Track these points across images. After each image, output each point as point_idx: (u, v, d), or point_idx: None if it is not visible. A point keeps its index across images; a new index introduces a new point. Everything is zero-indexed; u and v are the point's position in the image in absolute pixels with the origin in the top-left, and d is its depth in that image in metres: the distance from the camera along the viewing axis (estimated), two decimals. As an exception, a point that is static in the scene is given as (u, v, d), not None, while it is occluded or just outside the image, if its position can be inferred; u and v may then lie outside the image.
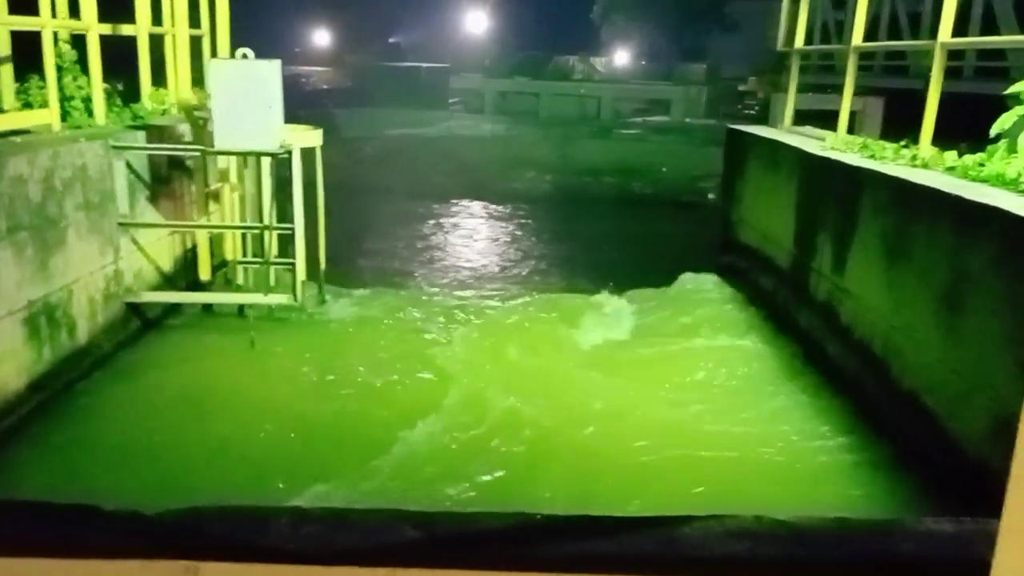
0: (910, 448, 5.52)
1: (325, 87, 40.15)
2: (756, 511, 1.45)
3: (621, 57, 45.24)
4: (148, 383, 6.57)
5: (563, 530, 1.39)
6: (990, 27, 14.93)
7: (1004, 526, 0.98)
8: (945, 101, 6.61)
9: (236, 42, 8.56)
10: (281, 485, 5.20)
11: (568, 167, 20.74)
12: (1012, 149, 5.87)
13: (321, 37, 53.51)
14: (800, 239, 7.93)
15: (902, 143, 6.98)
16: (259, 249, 8.40)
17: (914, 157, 6.63)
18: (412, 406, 6.34)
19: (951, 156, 6.35)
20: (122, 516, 1.36)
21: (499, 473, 5.48)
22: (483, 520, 1.41)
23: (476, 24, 51.07)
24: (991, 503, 1.04)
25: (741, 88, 30.62)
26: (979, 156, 6.11)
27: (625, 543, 1.35)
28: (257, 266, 8.49)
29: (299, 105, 22.88)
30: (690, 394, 6.69)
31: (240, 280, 8.56)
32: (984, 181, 5.68)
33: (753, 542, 1.34)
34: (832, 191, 7.23)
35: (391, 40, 53.17)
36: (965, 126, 6.92)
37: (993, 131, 6.10)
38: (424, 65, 39.60)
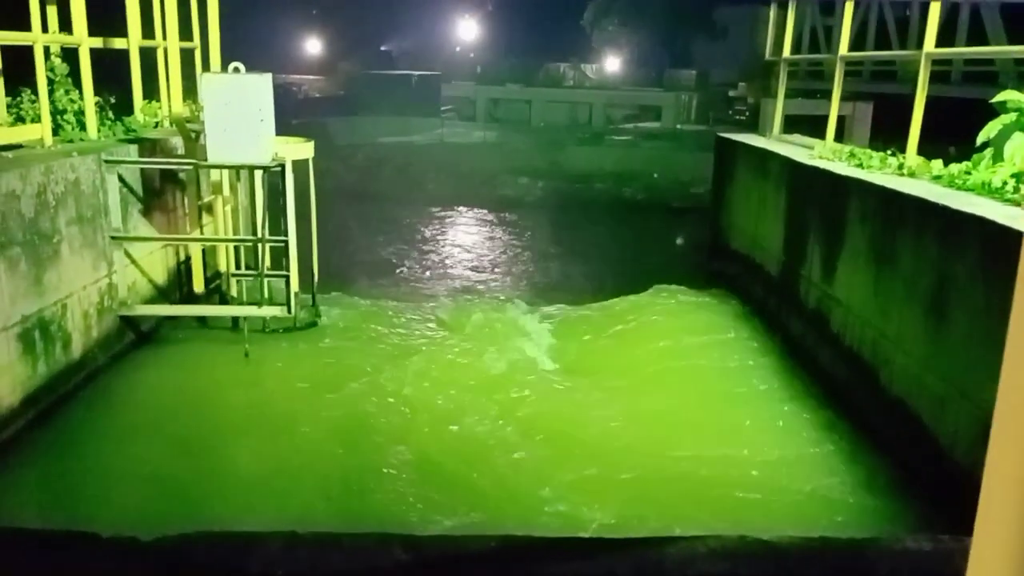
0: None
1: (317, 95, 40.13)
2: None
3: (611, 63, 45.29)
4: (142, 397, 6.57)
5: (548, 551, 1.42)
6: (978, 32, 15.00)
7: (976, 542, 1.02)
8: (934, 105, 6.65)
9: (228, 52, 8.57)
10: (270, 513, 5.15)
11: (560, 173, 20.81)
12: (998, 158, 5.91)
13: (313, 46, 53.48)
14: (790, 247, 7.98)
15: (889, 151, 7.02)
16: (253, 261, 8.41)
17: (900, 166, 6.68)
18: (403, 425, 6.35)
19: (937, 165, 6.40)
20: (118, 543, 1.39)
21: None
22: (470, 543, 1.44)
23: (467, 31, 51.15)
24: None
25: (731, 94, 30.67)
26: (965, 165, 6.15)
27: (609, 565, 1.39)
28: (251, 278, 8.50)
29: (292, 114, 22.91)
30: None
31: (234, 292, 8.56)
32: (970, 190, 5.73)
33: (734, 563, 1.38)
34: (821, 200, 7.28)
35: (383, 48, 53.17)
36: (954, 130, 6.97)
37: (979, 140, 6.14)
38: (416, 73, 39.60)
